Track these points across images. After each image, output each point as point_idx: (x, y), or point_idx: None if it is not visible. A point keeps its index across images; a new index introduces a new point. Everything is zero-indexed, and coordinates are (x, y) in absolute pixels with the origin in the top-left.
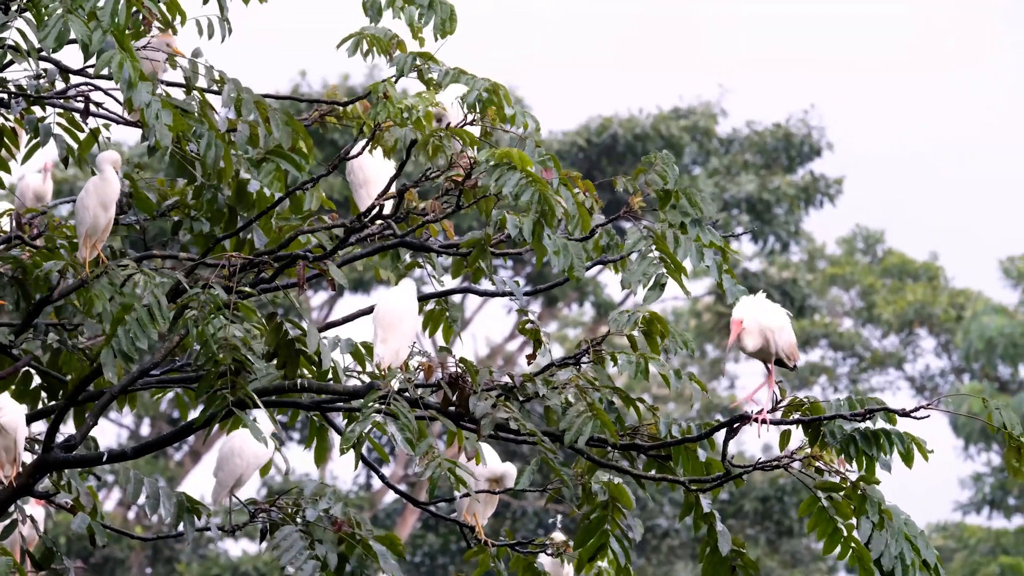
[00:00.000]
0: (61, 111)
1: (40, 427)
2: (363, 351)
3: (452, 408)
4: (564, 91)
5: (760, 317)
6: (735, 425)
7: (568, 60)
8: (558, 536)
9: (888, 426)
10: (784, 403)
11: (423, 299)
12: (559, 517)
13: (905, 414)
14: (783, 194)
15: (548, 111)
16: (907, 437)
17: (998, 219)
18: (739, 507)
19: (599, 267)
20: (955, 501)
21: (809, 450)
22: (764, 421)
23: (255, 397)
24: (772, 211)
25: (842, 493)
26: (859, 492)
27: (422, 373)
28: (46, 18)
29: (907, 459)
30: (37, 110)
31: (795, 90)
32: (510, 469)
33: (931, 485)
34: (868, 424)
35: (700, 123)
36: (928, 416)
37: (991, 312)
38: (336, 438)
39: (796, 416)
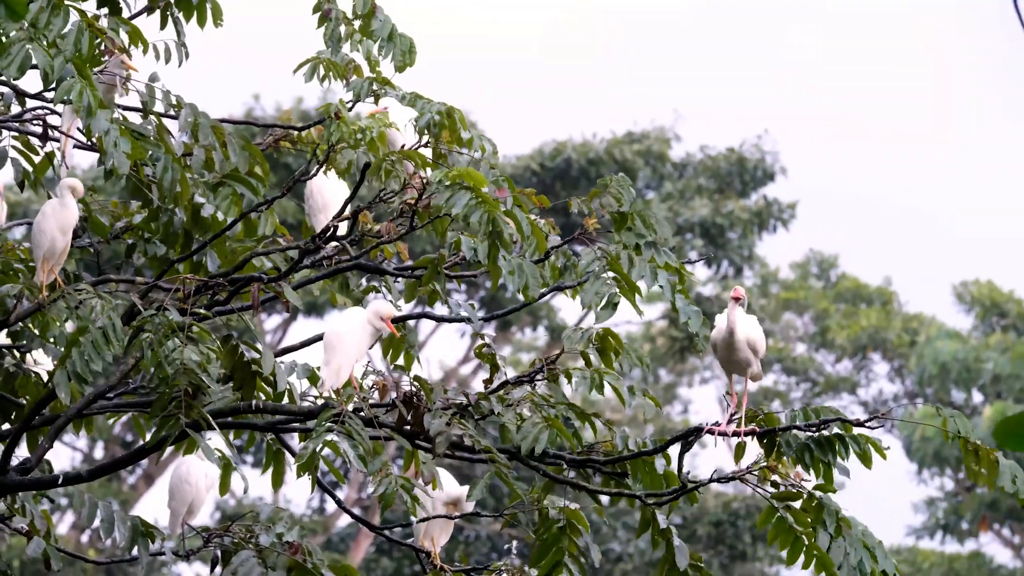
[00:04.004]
0: (17, 134)
1: None
2: (319, 375)
3: (407, 427)
4: (518, 115)
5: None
6: (690, 438)
7: (522, 84)
8: (513, 561)
9: (841, 431)
10: (738, 415)
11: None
12: (514, 543)
13: (859, 424)
14: (736, 218)
15: (502, 135)
16: (862, 439)
17: (952, 244)
18: (692, 532)
19: (553, 291)
20: (908, 526)
21: (765, 462)
22: (723, 433)
23: (209, 418)
24: (725, 235)
25: (799, 503)
26: (816, 502)
27: (376, 392)
28: (9, 47)
29: (865, 460)
30: None
31: (748, 115)
32: (466, 492)
33: (884, 509)
34: (823, 431)
35: (654, 147)
36: (882, 426)
37: (945, 337)
38: (293, 461)
39: (752, 427)
